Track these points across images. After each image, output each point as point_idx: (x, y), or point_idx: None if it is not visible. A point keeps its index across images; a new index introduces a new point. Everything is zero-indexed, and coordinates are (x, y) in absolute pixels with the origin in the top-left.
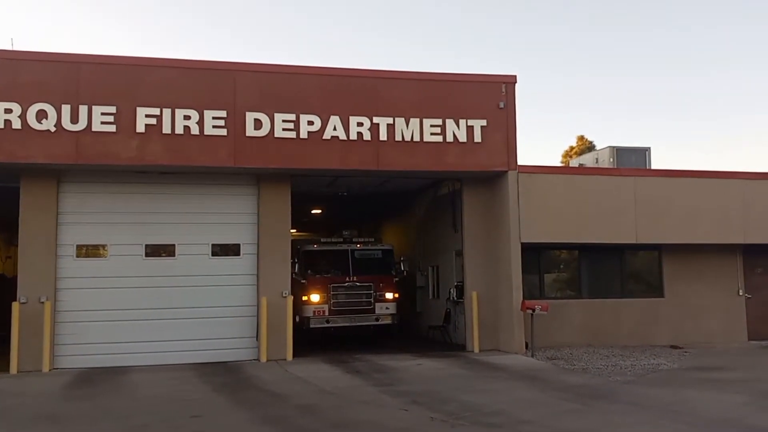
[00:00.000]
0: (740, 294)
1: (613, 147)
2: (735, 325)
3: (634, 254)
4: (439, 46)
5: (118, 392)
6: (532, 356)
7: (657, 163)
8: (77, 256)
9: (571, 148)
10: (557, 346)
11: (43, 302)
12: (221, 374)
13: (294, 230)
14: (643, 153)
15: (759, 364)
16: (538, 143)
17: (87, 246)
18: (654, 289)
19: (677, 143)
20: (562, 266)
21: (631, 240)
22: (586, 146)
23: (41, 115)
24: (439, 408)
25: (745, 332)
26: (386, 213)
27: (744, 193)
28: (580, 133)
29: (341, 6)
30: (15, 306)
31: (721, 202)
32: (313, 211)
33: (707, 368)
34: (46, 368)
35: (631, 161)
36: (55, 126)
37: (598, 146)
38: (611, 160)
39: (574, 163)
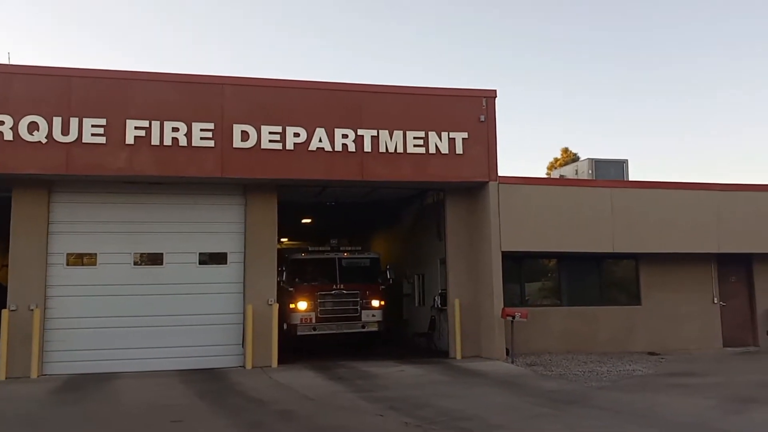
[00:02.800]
0: (715, 302)
1: (592, 159)
2: (710, 332)
3: (612, 263)
4: (433, 62)
5: (104, 398)
6: (512, 362)
7: (635, 174)
8: (67, 265)
9: (556, 159)
10: (538, 352)
11: (32, 309)
12: (206, 381)
13: (286, 239)
14: (621, 165)
15: (731, 370)
16: (526, 155)
17: (77, 255)
18: (631, 297)
19: (659, 155)
20: (542, 275)
21: (608, 249)
22: (570, 158)
23: (33, 127)
24: (415, 413)
25: (720, 339)
26: (375, 222)
27: (718, 204)
28: (565, 146)
29: (327, 23)
30: (5, 313)
31: (695, 212)
32: (304, 221)
33: (681, 374)
34: (34, 374)
35: (610, 173)
36: (46, 138)
37: (582, 158)
38: (590, 171)
39: (556, 174)
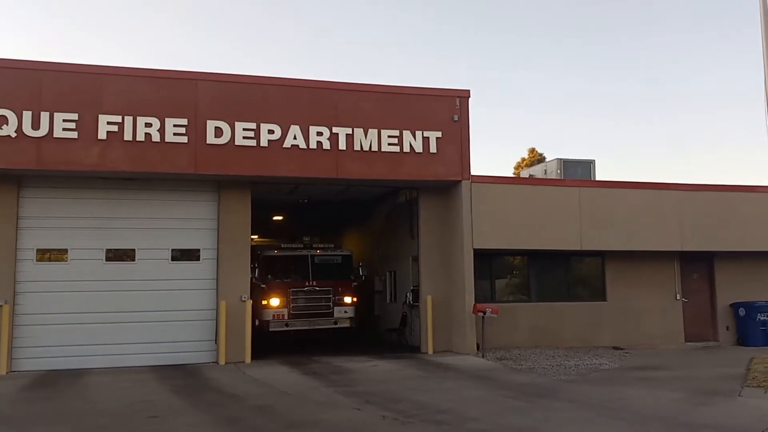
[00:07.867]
0: (677, 298)
1: (561, 159)
2: (673, 328)
3: (579, 260)
4: (398, 60)
5: (77, 394)
6: (483, 357)
7: (601, 174)
8: (37, 261)
9: (523, 159)
10: (507, 347)
11: (1, 306)
12: (180, 377)
13: (256, 236)
14: (588, 165)
15: (694, 364)
16: (494, 155)
17: (47, 250)
18: (597, 293)
19: (624, 153)
20: (512, 272)
21: (576, 247)
22: (536, 158)
23: (2, 120)
24: (391, 407)
25: (682, 334)
26: (347, 220)
27: (680, 203)
28: (531, 146)
29: (304, 20)
30: None
31: (659, 211)
32: (276, 218)
33: (646, 368)
34: (3, 371)
35: (577, 173)
36: (15, 132)
37: (548, 158)
38: (558, 171)
39: (525, 174)
